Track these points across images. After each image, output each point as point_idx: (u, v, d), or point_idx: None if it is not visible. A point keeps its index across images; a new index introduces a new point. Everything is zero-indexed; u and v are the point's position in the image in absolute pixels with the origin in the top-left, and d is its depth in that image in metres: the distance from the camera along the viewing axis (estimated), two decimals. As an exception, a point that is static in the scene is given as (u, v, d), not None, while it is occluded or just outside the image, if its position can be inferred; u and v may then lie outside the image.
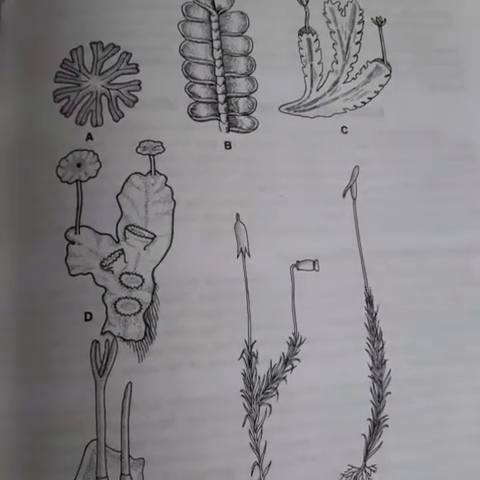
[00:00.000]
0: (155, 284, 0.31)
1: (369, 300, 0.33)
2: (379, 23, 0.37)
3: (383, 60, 0.36)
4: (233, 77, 0.34)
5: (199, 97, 0.33)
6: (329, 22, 0.36)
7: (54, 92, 0.32)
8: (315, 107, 0.35)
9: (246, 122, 0.34)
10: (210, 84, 0.34)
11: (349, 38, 0.36)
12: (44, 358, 0.29)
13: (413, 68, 0.36)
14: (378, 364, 0.32)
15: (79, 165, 0.31)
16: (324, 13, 0.36)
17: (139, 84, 0.33)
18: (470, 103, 0.37)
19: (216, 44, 0.34)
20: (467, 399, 0.33)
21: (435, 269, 0.34)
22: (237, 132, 0.33)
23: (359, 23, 0.36)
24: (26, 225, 0.31)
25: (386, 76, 0.36)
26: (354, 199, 0.34)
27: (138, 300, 0.31)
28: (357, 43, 0.36)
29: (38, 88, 0.32)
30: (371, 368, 0.32)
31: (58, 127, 0.32)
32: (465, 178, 0.36)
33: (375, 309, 0.33)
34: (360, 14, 0.37)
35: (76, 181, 0.31)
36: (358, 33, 0.36)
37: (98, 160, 0.32)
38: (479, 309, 0.34)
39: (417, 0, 0.38)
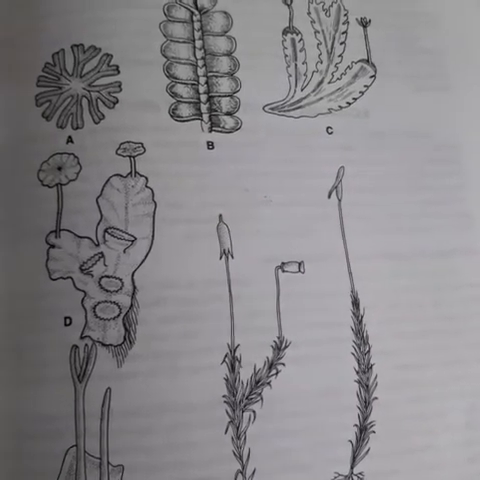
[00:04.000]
0: (135, 287, 0.30)
1: (355, 303, 0.32)
2: (364, 24, 0.36)
3: (368, 61, 0.36)
4: (216, 77, 0.34)
5: (181, 97, 0.33)
6: (313, 22, 0.36)
7: (36, 96, 0.32)
8: (300, 107, 0.34)
9: (229, 122, 0.33)
10: (192, 84, 0.33)
11: (334, 38, 0.36)
12: (23, 362, 0.29)
13: (398, 69, 0.36)
14: (364, 368, 0.31)
15: (60, 168, 0.31)
16: (308, 13, 0.36)
17: (120, 85, 0.32)
18: (455, 104, 0.36)
19: (198, 44, 0.34)
20: (455, 404, 0.32)
21: (421, 272, 0.33)
22: (220, 132, 0.33)
23: (344, 23, 0.36)
24: (7, 229, 0.30)
25: (371, 77, 0.36)
26: (339, 200, 0.33)
27: (117, 304, 0.30)
28: (342, 43, 0.36)
29: (20, 93, 0.32)
30: (357, 372, 0.31)
31: (40, 131, 0.31)
32: (450, 180, 0.35)
33: (361, 312, 0.32)
34: (345, 14, 0.36)
35: (57, 184, 0.31)
36: (343, 33, 0.36)
37: (78, 163, 0.31)
38: (466, 313, 0.33)
39: (402, 1, 0.37)
